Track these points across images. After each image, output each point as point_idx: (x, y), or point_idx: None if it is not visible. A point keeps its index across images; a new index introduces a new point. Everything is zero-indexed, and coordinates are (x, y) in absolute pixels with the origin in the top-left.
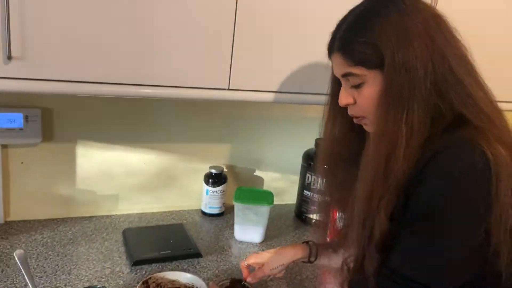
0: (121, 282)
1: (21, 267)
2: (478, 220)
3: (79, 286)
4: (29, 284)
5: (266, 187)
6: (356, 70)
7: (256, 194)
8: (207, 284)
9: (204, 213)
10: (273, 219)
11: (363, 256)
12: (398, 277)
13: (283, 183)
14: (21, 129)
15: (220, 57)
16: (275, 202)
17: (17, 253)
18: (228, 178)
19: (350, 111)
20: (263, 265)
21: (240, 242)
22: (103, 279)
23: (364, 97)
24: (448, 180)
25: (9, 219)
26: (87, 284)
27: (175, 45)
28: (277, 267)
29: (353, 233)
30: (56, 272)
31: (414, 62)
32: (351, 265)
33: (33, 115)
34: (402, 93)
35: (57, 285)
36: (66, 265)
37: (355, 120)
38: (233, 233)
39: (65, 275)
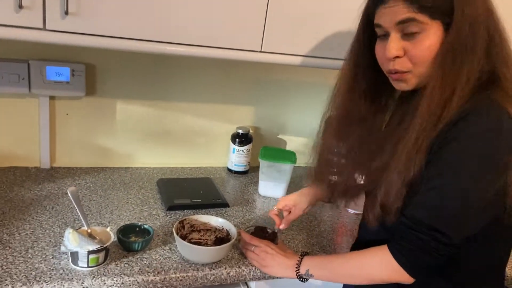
0: (158, 223)
1: (73, 202)
2: (497, 175)
3: (121, 223)
4: (80, 216)
5: (288, 149)
6: (420, 17)
7: (280, 153)
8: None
9: (230, 170)
10: (293, 179)
11: (394, 194)
12: (418, 225)
13: (304, 146)
14: (67, 82)
15: (255, 21)
16: (296, 164)
17: (70, 190)
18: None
19: (396, 66)
20: (291, 208)
21: (264, 197)
22: (141, 220)
23: (421, 48)
24: (474, 138)
25: (54, 165)
26: (128, 223)
27: (213, 8)
28: (307, 207)
29: (391, 173)
30: (100, 211)
31: (478, 18)
32: (375, 207)
33: (79, 70)
34: (467, 46)
35: (102, 222)
36: (108, 206)
37: (394, 76)
38: (257, 188)
39: (108, 214)
